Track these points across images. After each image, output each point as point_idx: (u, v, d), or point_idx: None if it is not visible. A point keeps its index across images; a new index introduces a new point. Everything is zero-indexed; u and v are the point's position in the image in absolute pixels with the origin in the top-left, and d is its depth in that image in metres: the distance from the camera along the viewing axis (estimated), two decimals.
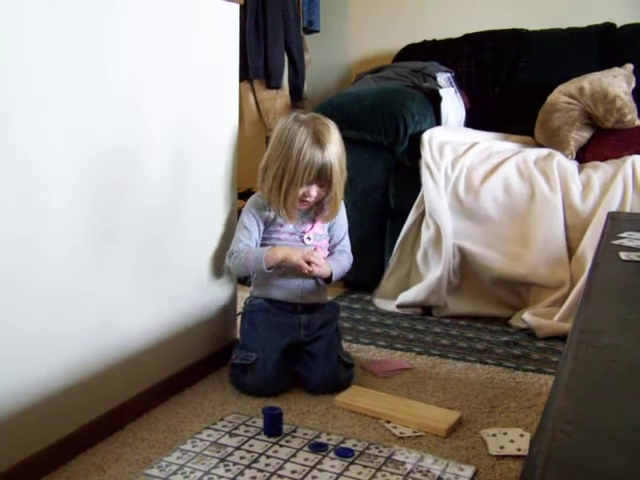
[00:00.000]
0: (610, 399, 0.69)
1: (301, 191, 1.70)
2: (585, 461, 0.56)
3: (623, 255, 1.27)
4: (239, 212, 2.04)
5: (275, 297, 1.77)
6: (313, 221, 1.81)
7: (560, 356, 0.75)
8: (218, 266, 1.83)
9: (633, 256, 1.26)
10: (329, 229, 1.84)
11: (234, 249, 1.77)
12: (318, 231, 1.81)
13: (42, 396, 1.30)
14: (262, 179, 1.75)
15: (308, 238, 1.79)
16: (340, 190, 1.75)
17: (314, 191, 1.72)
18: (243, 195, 3.00)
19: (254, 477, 1.29)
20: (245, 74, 3.00)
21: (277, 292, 1.77)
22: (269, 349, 1.69)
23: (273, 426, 1.47)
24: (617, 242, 1.38)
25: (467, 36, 3.13)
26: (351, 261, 1.88)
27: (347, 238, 1.88)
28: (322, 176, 1.69)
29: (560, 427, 0.61)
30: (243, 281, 2.19)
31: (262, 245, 1.79)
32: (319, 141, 1.67)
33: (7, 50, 1.15)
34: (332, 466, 1.34)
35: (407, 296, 2.36)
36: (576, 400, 0.68)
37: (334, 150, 1.69)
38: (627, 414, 0.65)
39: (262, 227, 1.79)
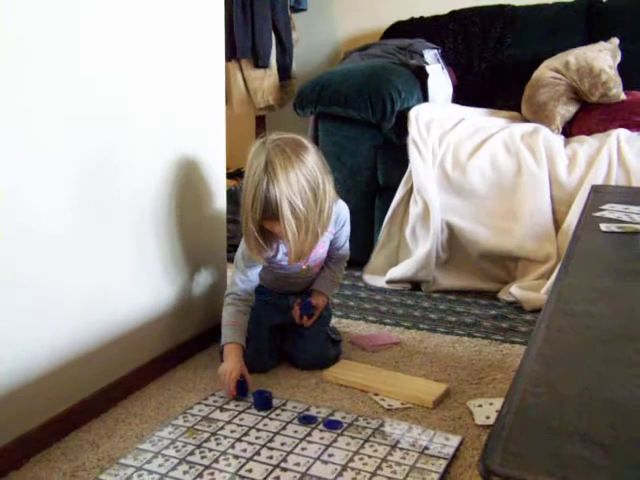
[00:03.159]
0: (581, 364, 0.71)
1: (264, 226, 1.51)
2: (551, 421, 0.58)
3: (603, 227, 1.29)
4: (229, 192, 2.05)
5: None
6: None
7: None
8: (208, 246, 1.85)
9: (613, 227, 1.28)
10: (332, 241, 1.74)
11: (230, 291, 1.68)
12: (315, 255, 1.70)
13: (35, 374, 1.32)
14: None
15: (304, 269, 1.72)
16: (296, 235, 1.47)
17: (276, 228, 1.50)
18: (233, 175, 3.02)
19: (244, 450, 1.32)
20: (233, 53, 3.00)
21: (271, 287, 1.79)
22: (260, 327, 1.71)
23: (263, 401, 1.49)
24: (598, 214, 1.41)
25: (453, 12, 3.13)
26: (347, 258, 1.85)
27: (347, 242, 1.80)
28: (268, 213, 1.46)
29: (530, 390, 0.63)
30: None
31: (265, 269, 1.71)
32: (266, 170, 1.43)
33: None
34: (321, 438, 1.36)
35: (396, 272, 2.38)
36: (547, 364, 0.70)
37: (285, 184, 1.43)
38: (597, 378, 0.67)
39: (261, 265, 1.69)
